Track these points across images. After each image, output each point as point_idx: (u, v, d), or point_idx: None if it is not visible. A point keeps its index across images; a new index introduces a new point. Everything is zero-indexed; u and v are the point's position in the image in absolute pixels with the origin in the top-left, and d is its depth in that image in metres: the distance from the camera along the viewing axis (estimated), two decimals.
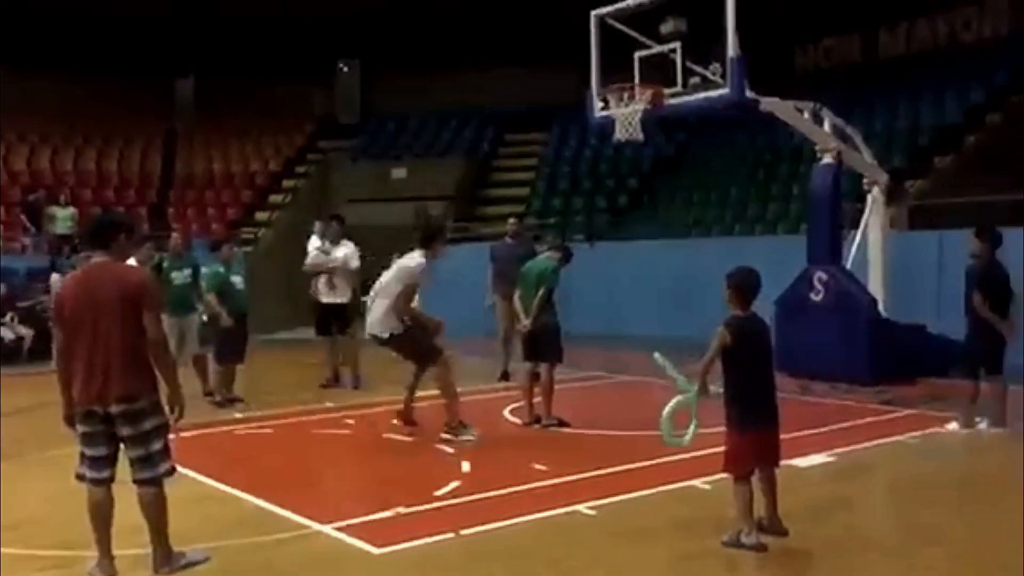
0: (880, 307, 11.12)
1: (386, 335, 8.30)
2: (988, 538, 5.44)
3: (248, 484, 6.77)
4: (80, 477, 4.87)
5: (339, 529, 5.67)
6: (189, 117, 25.14)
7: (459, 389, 8.52)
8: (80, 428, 4.83)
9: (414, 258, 8.27)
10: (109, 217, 5.86)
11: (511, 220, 12.38)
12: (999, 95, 17.62)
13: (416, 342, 8.32)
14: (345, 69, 25.91)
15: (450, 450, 7.81)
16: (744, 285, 5.33)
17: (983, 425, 8.03)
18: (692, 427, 5.35)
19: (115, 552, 4.87)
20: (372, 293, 8.51)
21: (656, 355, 5.59)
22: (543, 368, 8.74)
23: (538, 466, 7.12)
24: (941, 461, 7.37)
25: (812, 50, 22.58)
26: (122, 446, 4.84)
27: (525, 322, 8.76)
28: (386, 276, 8.44)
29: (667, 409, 5.26)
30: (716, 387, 5.30)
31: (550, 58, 20.80)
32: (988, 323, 7.84)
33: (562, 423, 8.67)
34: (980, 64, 18.57)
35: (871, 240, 11.62)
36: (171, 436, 5.03)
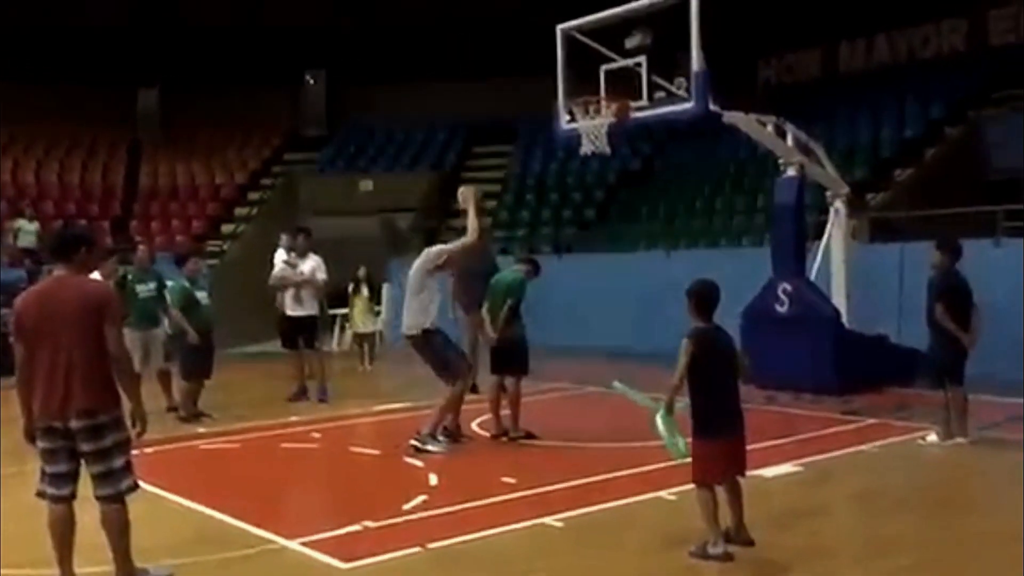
0: (843, 318, 11.27)
1: (412, 332, 8.26)
2: (953, 547, 5.50)
3: (213, 499, 6.69)
4: (41, 494, 4.79)
5: (305, 544, 5.62)
6: (153, 128, 24.90)
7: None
8: (40, 444, 4.76)
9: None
10: (71, 231, 5.78)
11: None
12: (958, 110, 17.94)
13: (436, 350, 8.28)
14: (312, 81, 25.82)
15: (418, 463, 7.78)
16: (703, 297, 5.39)
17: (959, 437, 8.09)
18: (679, 439, 5.33)
19: (77, 570, 4.80)
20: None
21: (615, 383, 5.63)
22: (510, 380, 8.75)
23: (506, 479, 7.11)
24: (906, 471, 7.45)
25: (775, 64, 22.88)
26: (83, 462, 4.77)
27: (492, 334, 8.75)
28: (411, 276, 8.41)
29: (659, 425, 5.25)
30: (681, 402, 5.31)
31: (517, 71, 20.87)
32: (950, 334, 7.95)
33: (530, 435, 8.66)
34: (939, 79, 18.91)
35: (834, 252, 11.78)
36: (134, 451, 4.96)
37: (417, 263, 8.39)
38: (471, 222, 8.41)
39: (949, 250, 8.13)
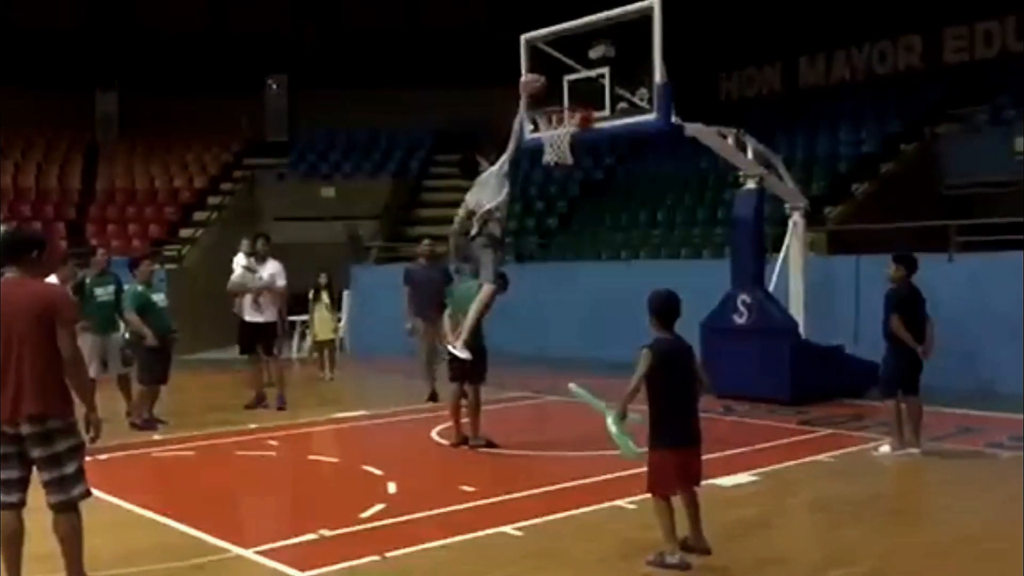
0: (801, 329, 11.40)
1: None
2: (907, 556, 5.58)
3: (167, 508, 6.60)
4: None
5: (261, 553, 5.56)
6: (111, 131, 24.56)
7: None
8: None
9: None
10: (23, 233, 5.69)
11: (426, 241, 12.35)
12: (914, 126, 18.28)
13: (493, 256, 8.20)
14: (274, 86, 25.64)
15: (377, 472, 7.73)
16: (662, 308, 5.42)
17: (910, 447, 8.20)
18: (630, 441, 5.32)
19: None
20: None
21: (572, 385, 5.65)
22: (471, 388, 8.73)
23: (465, 487, 7.10)
24: (861, 480, 7.53)
25: (736, 78, 23.16)
26: (35, 468, 4.68)
27: (453, 340, 8.71)
28: (487, 185, 8.45)
29: (611, 427, 5.26)
30: (635, 414, 5.33)
31: (481, 79, 20.90)
32: (905, 345, 8.08)
33: (490, 444, 8.66)
34: (896, 95, 19.27)
35: (792, 264, 11.91)
36: (87, 458, 4.88)
37: (495, 171, 8.45)
38: (517, 123, 8.66)
39: (905, 263, 8.27)
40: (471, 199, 8.43)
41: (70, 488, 4.67)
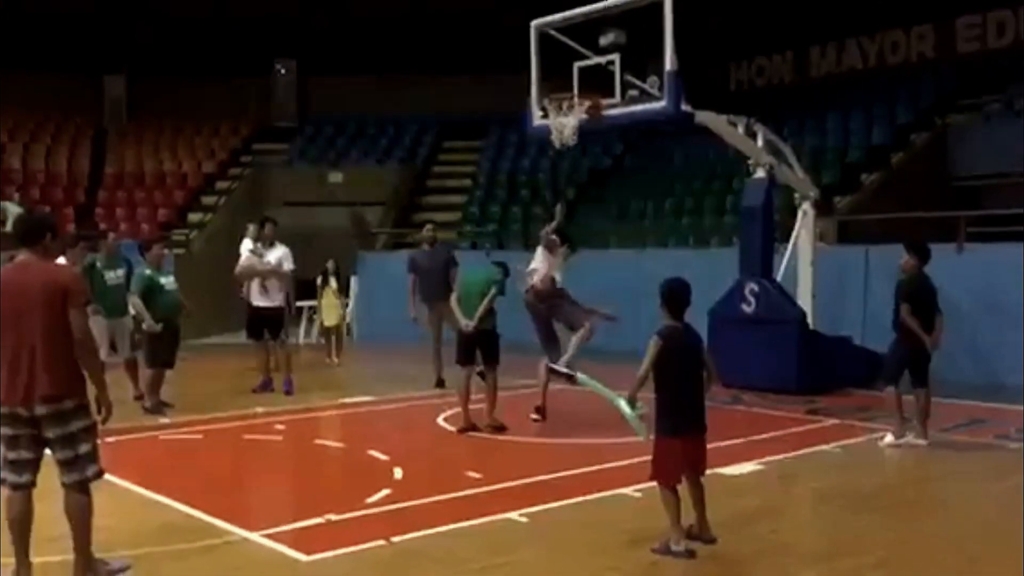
0: (808, 319, 11.38)
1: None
2: (912, 547, 5.57)
3: (174, 490, 6.63)
4: None
5: (267, 536, 5.59)
6: (120, 115, 24.58)
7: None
8: (3, 431, 4.68)
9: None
10: (35, 216, 5.69)
11: (428, 226, 12.29)
12: (924, 116, 18.17)
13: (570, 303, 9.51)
14: (282, 71, 25.61)
15: (383, 457, 7.75)
16: (674, 295, 5.42)
17: (910, 436, 8.18)
18: (640, 422, 5.37)
19: (34, 559, 4.73)
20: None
21: (579, 374, 5.66)
22: (488, 371, 8.78)
23: (471, 473, 7.11)
24: (867, 471, 7.53)
25: (747, 67, 23.06)
26: (48, 449, 4.70)
27: (465, 322, 8.73)
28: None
29: (627, 411, 5.30)
30: (640, 405, 5.34)
31: (490, 67, 20.87)
32: (913, 335, 8.04)
33: (499, 427, 8.67)
34: (907, 85, 19.16)
35: (801, 253, 11.88)
36: (97, 440, 4.90)
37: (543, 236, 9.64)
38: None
39: (918, 253, 8.22)
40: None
41: (84, 468, 4.70)
